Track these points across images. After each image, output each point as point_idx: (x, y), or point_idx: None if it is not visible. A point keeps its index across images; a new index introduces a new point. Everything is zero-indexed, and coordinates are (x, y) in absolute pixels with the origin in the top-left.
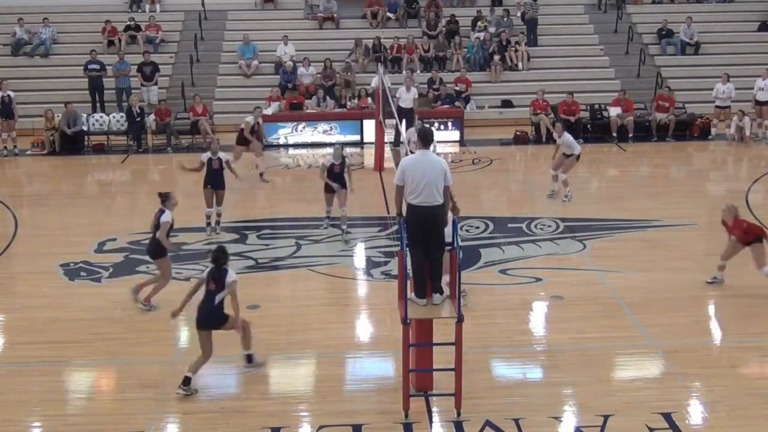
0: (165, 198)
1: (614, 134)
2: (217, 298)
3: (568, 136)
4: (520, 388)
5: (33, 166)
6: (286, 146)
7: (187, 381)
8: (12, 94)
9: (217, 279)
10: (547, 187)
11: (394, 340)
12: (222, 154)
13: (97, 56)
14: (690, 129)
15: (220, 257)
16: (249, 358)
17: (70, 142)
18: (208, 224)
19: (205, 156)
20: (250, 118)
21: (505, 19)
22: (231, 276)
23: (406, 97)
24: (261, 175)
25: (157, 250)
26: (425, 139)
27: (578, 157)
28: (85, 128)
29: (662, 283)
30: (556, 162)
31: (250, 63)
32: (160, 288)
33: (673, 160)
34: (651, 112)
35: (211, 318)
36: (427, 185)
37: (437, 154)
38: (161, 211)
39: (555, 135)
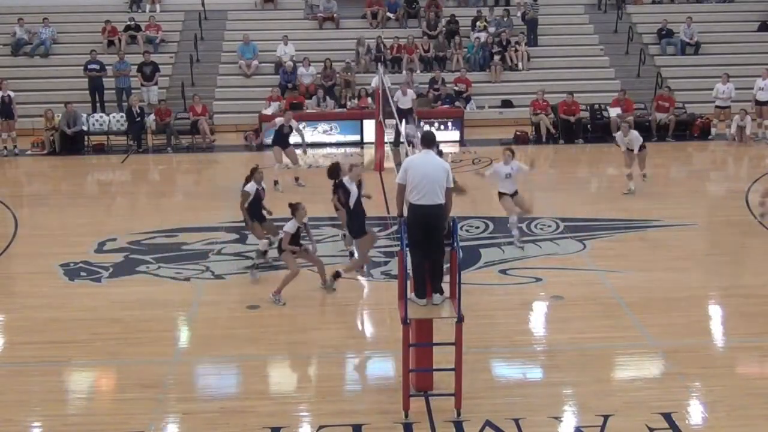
0: (294, 209)
1: (614, 134)
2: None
3: (634, 133)
4: (520, 388)
5: (33, 166)
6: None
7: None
8: (12, 94)
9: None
10: (624, 187)
11: (394, 340)
12: (264, 184)
13: (97, 56)
14: (690, 129)
15: (330, 172)
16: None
17: (70, 142)
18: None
19: (251, 187)
20: (279, 119)
21: (505, 19)
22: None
23: (404, 100)
24: (296, 179)
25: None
26: (427, 140)
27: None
28: (85, 128)
29: (662, 283)
30: (628, 160)
31: (250, 63)
32: (289, 280)
33: (673, 160)
34: (651, 112)
35: None
36: (429, 184)
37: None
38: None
39: (620, 135)
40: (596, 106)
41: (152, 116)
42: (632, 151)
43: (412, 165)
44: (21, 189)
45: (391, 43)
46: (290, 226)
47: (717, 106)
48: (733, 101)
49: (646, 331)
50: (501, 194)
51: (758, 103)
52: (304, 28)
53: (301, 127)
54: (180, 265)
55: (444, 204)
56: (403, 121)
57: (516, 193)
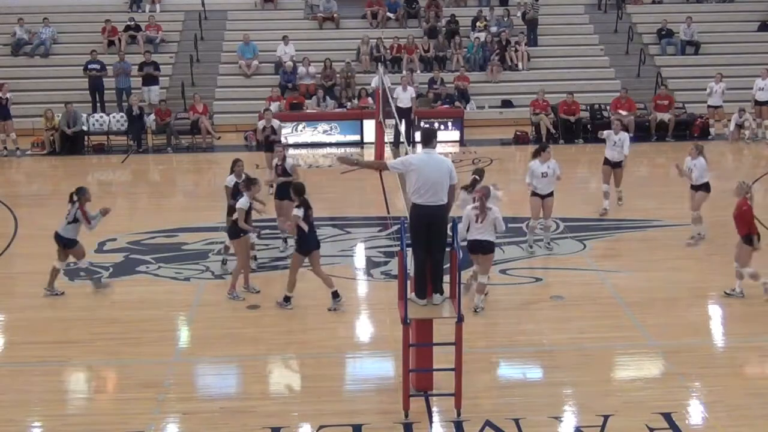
0: (249, 184)
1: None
2: None
3: (624, 135)
4: (520, 388)
5: (33, 166)
6: (286, 146)
7: None
8: (10, 96)
9: None
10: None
11: (394, 340)
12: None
13: (97, 56)
14: (690, 129)
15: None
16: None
17: (70, 142)
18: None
19: (230, 180)
20: (261, 123)
21: (506, 19)
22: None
23: (404, 97)
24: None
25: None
26: (427, 138)
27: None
28: (85, 128)
29: (662, 283)
30: (604, 176)
31: (250, 63)
32: (238, 274)
33: (673, 160)
34: (651, 112)
35: None
36: (434, 185)
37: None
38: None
39: (610, 133)
40: (596, 106)
41: (152, 116)
42: (612, 165)
43: (416, 167)
44: (21, 189)
45: (391, 43)
46: (243, 202)
47: (709, 106)
48: (727, 101)
49: (646, 331)
50: (533, 194)
51: (758, 103)
52: (304, 28)
53: (277, 125)
54: (180, 265)
55: (447, 204)
56: (402, 121)
57: (549, 195)
